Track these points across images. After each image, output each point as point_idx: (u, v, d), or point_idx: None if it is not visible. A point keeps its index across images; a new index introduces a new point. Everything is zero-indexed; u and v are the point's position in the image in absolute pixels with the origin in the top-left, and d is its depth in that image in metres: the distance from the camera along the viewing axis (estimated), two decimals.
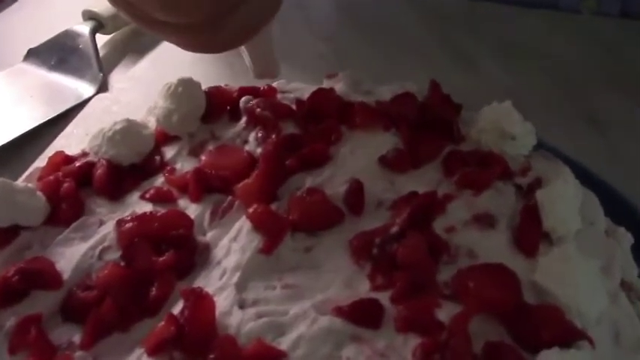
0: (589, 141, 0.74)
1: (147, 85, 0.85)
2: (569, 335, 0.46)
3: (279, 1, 0.52)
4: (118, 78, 0.89)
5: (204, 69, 0.86)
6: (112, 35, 0.94)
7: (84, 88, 0.85)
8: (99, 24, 0.92)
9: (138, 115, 0.70)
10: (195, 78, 0.66)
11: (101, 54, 0.90)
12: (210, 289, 0.50)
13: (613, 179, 0.63)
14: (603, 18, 0.91)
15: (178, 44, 0.53)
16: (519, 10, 0.94)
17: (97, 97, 0.84)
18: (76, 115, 0.81)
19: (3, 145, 0.74)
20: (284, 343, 0.46)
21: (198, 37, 0.50)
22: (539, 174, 0.58)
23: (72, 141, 0.76)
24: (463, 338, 0.45)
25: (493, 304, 0.48)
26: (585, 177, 0.62)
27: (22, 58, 0.90)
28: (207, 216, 0.56)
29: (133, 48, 0.93)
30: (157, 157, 0.62)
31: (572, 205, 0.54)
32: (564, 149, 0.65)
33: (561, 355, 0.44)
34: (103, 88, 0.86)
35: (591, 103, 0.79)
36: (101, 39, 0.93)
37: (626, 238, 0.57)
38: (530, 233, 0.53)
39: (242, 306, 0.49)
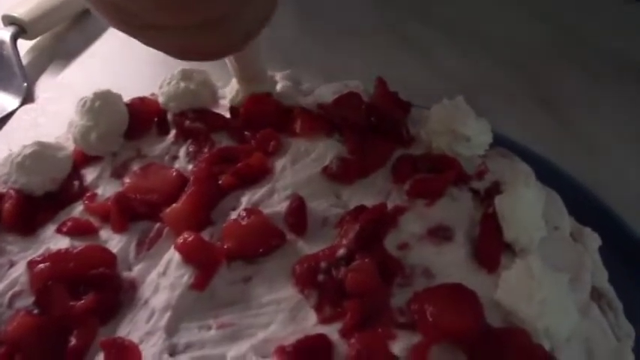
0: (545, 123, 0.71)
1: (76, 93, 0.77)
2: None
3: (275, 2, 0.47)
4: (45, 87, 0.82)
5: (136, 72, 0.79)
6: (35, 41, 0.87)
7: (7, 101, 0.78)
8: (20, 29, 0.84)
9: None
10: (127, 83, 0.59)
11: (25, 61, 0.84)
12: (136, 335, 0.45)
13: (572, 162, 0.60)
14: None
15: (168, 50, 0.46)
16: None
17: (22, 108, 0.78)
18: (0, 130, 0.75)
19: None
20: None
21: (201, 37, 0.44)
22: (497, 176, 0.54)
23: None
24: None
25: (453, 332, 0.43)
26: (545, 170, 0.57)
27: None
28: (132, 248, 0.51)
29: (58, 53, 0.86)
30: (76, 182, 0.56)
31: (535, 211, 0.49)
32: (521, 136, 0.61)
33: None
34: (28, 98, 0.79)
35: (545, 84, 0.76)
36: (24, 45, 0.86)
37: (594, 239, 0.52)
38: (491, 246, 0.49)
39: (173, 353, 0.44)
